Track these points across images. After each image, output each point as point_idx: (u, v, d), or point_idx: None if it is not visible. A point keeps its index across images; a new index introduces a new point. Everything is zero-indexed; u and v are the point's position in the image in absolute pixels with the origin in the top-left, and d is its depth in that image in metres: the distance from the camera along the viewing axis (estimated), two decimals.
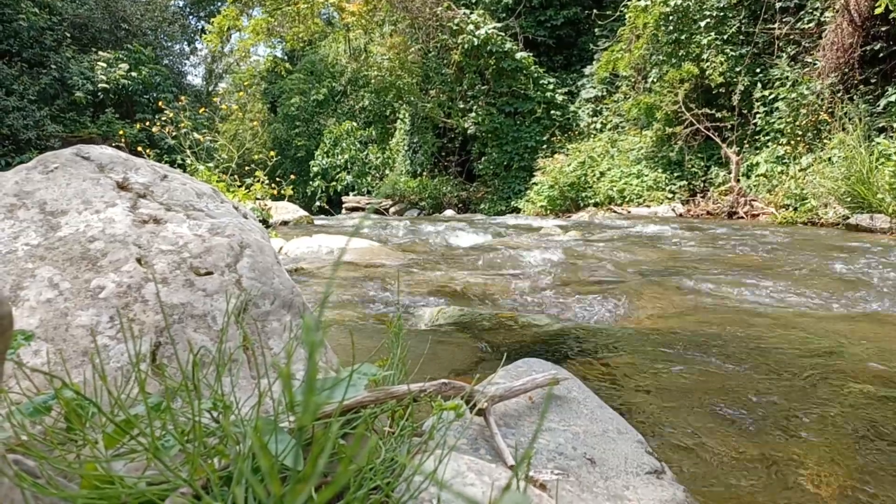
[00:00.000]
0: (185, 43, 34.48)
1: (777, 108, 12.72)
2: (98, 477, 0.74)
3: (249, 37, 23.37)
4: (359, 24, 21.01)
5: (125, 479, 0.76)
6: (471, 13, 18.12)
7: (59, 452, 0.83)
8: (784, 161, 12.34)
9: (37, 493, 0.69)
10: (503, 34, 18.08)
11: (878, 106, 11.15)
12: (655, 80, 15.04)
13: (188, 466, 0.76)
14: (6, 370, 0.98)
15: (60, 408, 0.84)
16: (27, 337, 0.94)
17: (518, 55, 17.91)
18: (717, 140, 13.81)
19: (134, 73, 24.74)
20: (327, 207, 23.25)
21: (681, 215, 13.16)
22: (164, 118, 10.95)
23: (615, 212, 14.00)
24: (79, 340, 1.17)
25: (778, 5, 13.36)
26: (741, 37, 13.87)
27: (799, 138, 12.15)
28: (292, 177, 16.15)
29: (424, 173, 20.69)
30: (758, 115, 13.31)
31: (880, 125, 10.94)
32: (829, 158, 10.75)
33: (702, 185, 14.29)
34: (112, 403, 0.82)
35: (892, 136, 10.01)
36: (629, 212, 13.68)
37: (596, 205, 15.15)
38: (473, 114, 18.58)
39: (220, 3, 29.61)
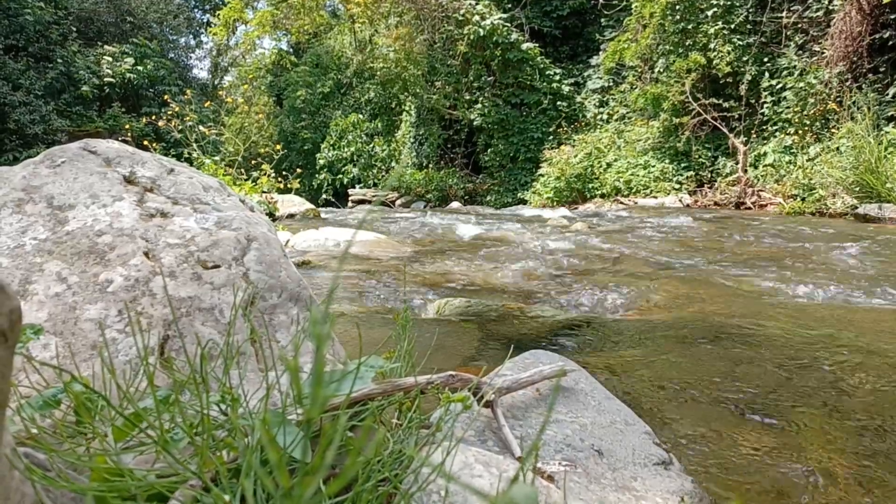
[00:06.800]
0: (191, 36, 34.55)
1: (785, 97, 12.64)
2: (108, 470, 0.75)
3: (255, 29, 23.38)
4: (364, 16, 20.95)
5: (135, 472, 0.76)
6: (476, 4, 18.03)
7: (68, 445, 0.83)
8: (792, 151, 12.26)
9: (47, 485, 0.70)
10: (509, 25, 17.99)
11: (887, 95, 11.06)
12: (662, 70, 14.95)
13: (197, 459, 0.77)
14: (16, 364, 0.98)
15: (70, 401, 0.85)
16: (36, 331, 0.94)
17: (524, 46, 17.81)
18: (725, 130, 13.73)
19: (139, 67, 24.79)
20: (333, 200, 23.23)
21: (688, 206, 13.11)
22: (169, 112, 10.99)
23: (622, 203, 13.96)
24: (87, 334, 1.18)
25: None
26: (748, 26, 13.76)
27: (807, 128, 12.07)
28: (298, 170, 16.14)
29: (430, 165, 20.64)
30: (765, 105, 13.23)
31: (889, 114, 10.86)
32: (838, 148, 10.68)
33: (709, 175, 14.21)
34: (121, 397, 0.82)
35: None
36: (636, 203, 13.63)
37: (603, 196, 15.10)
38: (479, 105, 18.51)
39: None
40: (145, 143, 8.03)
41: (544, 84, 18.16)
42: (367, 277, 4.37)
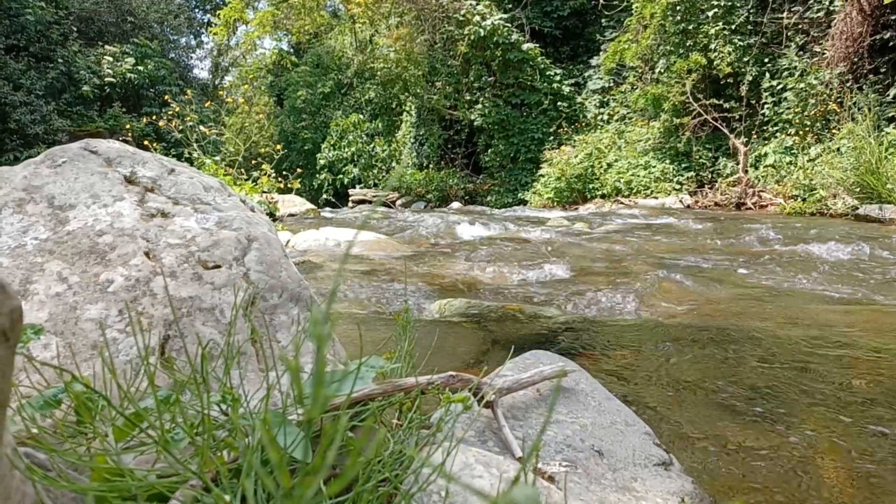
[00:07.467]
0: (191, 36, 34.58)
1: (785, 98, 12.63)
2: (108, 470, 0.75)
3: (255, 29, 23.40)
4: (364, 16, 20.95)
5: (135, 472, 0.76)
6: (477, 4, 18.03)
7: (69, 445, 0.83)
8: (792, 152, 12.26)
9: (48, 485, 0.70)
10: (509, 25, 17.99)
11: (888, 95, 11.06)
12: (663, 70, 14.94)
13: (198, 459, 0.77)
14: (16, 364, 0.98)
15: (70, 401, 0.85)
16: (37, 331, 0.94)
17: (524, 46, 17.81)
18: (725, 131, 13.72)
19: (140, 67, 24.81)
20: (334, 200, 23.24)
21: (689, 207, 13.10)
22: (170, 112, 11.00)
23: (622, 203, 13.96)
24: (88, 334, 1.18)
25: None
26: (749, 26, 13.76)
27: (807, 128, 12.07)
28: (299, 170, 16.12)
29: (431, 166, 20.64)
30: (766, 106, 13.22)
31: (890, 115, 10.86)
32: (838, 149, 10.68)
33: (710, 176, 14.20)
34: (121, 397, 0.82)
35: None
36: (636, 203, 13.62)
37: (603, 196, 15.10)
38: (480, 106, 18.51)
39: None
40: (146, 143, 8.03)
41: (545, 84, 18.16)
42: (368, 278, 4.37)
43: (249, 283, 1.40)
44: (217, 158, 10.74)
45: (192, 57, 35.76)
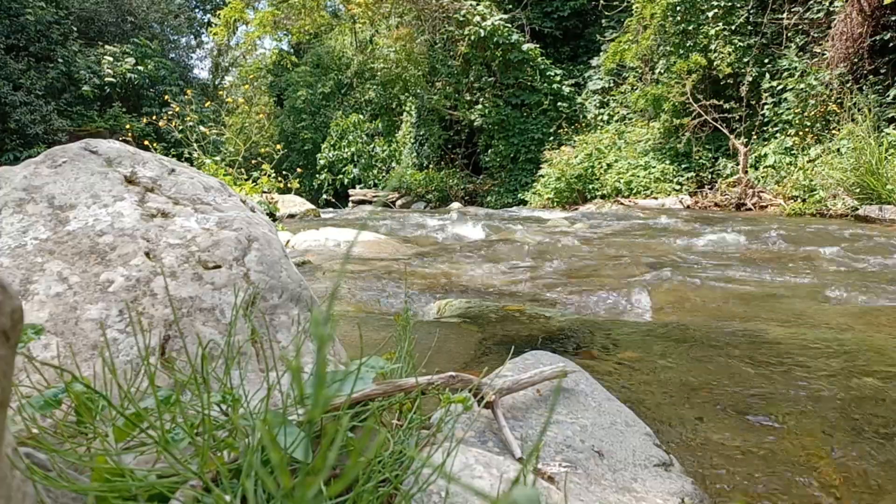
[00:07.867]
0: (192, 36, 34.59)
1: (785, 98, 12.64)
2: (108, 470, 0.75)
3: (255, 29, 23.39)
4: (365, 17, 20.95)
5: (135, 472, 0.76)
6: (477, 4, 18.04)
7: (69, 445, 0.83)
8: (792, 152, 12.27)
9: (48, 486, 0.70)
10: (510, 25, 18.00)
11: (888, 96, 11.06)
12: (663, 71, 14.95)
13: (198, 459, 0.77)
14: (17, 364, 0.98)
15: (70, 401, 0.85)
16: (37, 331, 0.94)
17: (525, 46, 17.83)
18: (725, 131, 13.72)
19: (140, 67, 24.81)
20: (334, 200, 23.25)
21: (688, 207, 13.10)
22: (170, 112, 11.01)
23: (622, 204, 13.95)
24: (88, 334, 1.18)
25: None
26: (749, 27, 13.77)
27: (807, 129, 12.07)
28: (299, 170, 16.16)
29: (431, 166, 20.66)
30: (766, 106, 13.22)
31: (890, 115, 10.86)
32: (838, 149, 10.69)
33: (709, 176, 14.21)
34: (122, 397, 0.82)
35: None
36: (636, 204, 13.62)
37: (603, 197, 15.10)
38: (480, 106, 18.52)
39: None
40: (146, 143, 8.04)
41: (545, 85, 18.17)
42: (368, 278, 4.37)
43: (250, 283, 1.40)
44: (217, 158, 10.74)
45: (192, 57, 35.81)
